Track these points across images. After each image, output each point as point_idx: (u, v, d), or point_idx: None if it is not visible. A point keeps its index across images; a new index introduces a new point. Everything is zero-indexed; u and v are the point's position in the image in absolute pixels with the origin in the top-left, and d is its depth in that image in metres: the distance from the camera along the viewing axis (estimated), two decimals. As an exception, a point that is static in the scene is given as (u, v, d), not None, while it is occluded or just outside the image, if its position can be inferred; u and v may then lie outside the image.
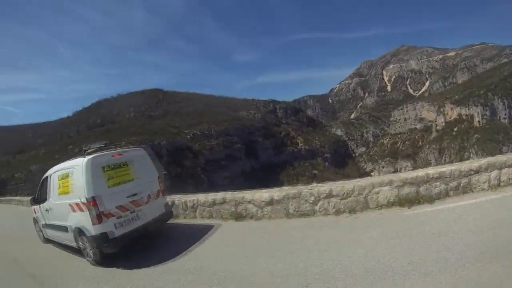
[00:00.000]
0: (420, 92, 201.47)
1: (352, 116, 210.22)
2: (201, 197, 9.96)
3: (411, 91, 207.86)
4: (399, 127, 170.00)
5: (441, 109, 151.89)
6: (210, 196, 9.68)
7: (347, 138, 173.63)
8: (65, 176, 7.95)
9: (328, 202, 7.88)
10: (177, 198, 10.63)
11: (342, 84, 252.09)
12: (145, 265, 6.83)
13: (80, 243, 7.64)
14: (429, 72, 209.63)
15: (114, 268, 6.98)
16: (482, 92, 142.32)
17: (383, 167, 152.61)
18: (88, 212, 6.97)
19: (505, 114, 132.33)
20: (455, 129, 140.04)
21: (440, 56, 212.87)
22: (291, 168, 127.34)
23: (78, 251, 8.04)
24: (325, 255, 5.70)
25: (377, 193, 7.60)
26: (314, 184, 8.68)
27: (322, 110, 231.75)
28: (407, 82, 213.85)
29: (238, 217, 8.97)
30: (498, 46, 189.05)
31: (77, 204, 7.30)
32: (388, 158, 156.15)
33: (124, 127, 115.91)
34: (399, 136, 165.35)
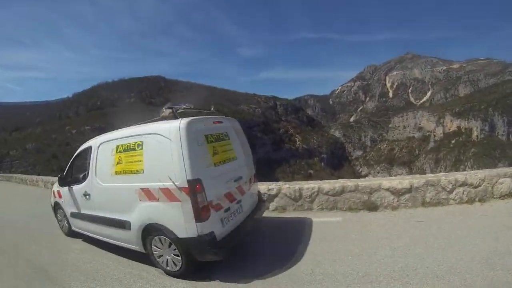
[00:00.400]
0: (421, 101, 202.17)
1: (352, 119, 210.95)
2: (325, 184, 8.42)
3: (412, 99, 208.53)
4: (397, 134, 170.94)
5: (441, 120, 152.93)
6: (337, 184, 8.34)
7: (344, 141, 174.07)
8: (132, 147, 5.54)
9: (463, 190, 7.76)
10: (285, 186, 8.81)
11: (344, 86, 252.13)
12: (248, 276, 4.90)
13: (152, 246, 5.32)
14: (432, 82, 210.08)
15: (210, 282, 4.93)
16: (483, 107, 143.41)
17: (378, 172, 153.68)
18: (183, 202, 4.73)
19: (504, 131, 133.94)
20: (453, 141, 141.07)
21: (444, 67, 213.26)
22: (287, 166, 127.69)
23: (129, 252, 5.89)
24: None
25: (501, 183, 7.71)
26: (445, 173, 8.52)
27: (322, 111, 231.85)
28: (409, 90, 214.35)
29: (372, 207, 7.94)
30: (503, 62, 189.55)
31: (159, 190, 4.97)
32: (384, 164, 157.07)
33: (123, 112, 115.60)
34: (396, 143, 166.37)
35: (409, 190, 7.70)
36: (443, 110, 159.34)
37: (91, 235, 6.94)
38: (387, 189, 7.81)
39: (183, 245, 4.88)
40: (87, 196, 6.59)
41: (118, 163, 5.76)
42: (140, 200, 5.28)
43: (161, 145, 5.01)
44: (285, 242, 6.26)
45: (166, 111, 5.59)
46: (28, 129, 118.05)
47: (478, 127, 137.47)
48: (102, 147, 6.28)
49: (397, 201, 7.78)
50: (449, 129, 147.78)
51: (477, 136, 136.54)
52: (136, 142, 5.49)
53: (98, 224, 6.46)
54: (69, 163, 7.66)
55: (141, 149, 5.37)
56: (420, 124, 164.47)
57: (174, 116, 5.35)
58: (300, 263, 5.18)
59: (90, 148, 6.69)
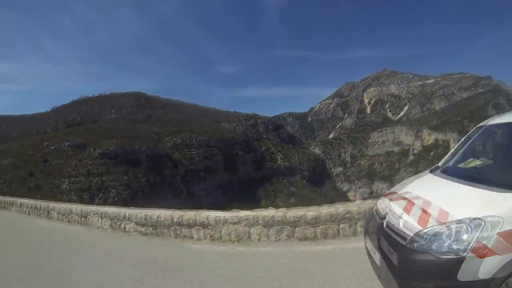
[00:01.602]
0: (399, 116, 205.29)
1: (331, 135, 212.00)
2: None
3: (390, 114, 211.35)
4: (377, 148, 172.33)
5: (419, 134, 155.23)
6: None
7: (325, 157, 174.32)
8: None
9: None
10: None
11: (322, 103, 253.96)
12: None
13: None
14: (408, 97, 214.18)
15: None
16: (458, 119, 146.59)
17: (359, 187, 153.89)
18: None
19: None
20: (432, 153, 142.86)
21: (420, 83, 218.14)
22: (269, 184, 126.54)
23: None
24: None
25: None
26: None
27: (301, 128, 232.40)
28: (387, 106, 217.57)
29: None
30: (475, 76, 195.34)
31: None
32: (364, 179, 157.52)
33: (104, 128, 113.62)
34: (376, 157, 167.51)
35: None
36: (420, 124, 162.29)
37: None
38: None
39: None
40: None
41: None
42: None
43: None
44: None
45: None
46: (4, 144, 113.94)
47: (455, 139, 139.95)
48: None
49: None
50: (427, 142, 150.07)
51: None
52: None
53: None
54: None
55: None
56: (399, 138, 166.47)
57: None
58: None
59: None
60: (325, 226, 6.65)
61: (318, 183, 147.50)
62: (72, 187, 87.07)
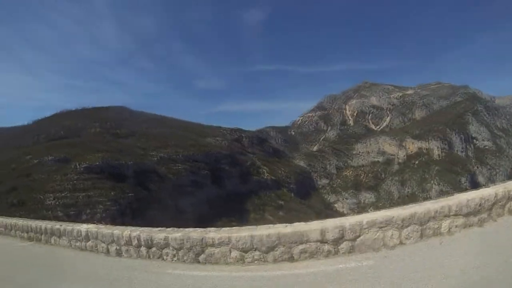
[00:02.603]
0: (381, 127, 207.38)
1: (315, 148, 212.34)
2: None
3: (372, 126, 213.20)
4: (361, 159, 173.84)
5: (402, 143, 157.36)
6: None
7: (310, 170, 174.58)
8: None
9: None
10: None
11: (305, 116, 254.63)
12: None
13: None
14: (389, 108, 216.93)
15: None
16: (440, 127, 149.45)
17: (346, 198, 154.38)
18: None
19: (462, 148, 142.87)
20: (416, 162, 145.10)
21: (400, 94, 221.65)
22: (256, 198, 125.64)
23: None
24: None
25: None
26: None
27: (284, 142, 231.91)
28: (369, 117, 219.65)
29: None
30: (452, 85, 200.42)
31: None
32: (351, 190, 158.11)
33: (88, 142, 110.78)
34: (361, 168, 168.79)
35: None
36: (403, 133, 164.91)
37: None
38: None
39: None
40: None
41: None
42: None
43: None
44: None
45: None
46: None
47: (438, 147, 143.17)
48: None
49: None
50: (411, 151, 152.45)
51: (438, 155, 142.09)
52: None
53: None
54: None
55: None
56: (382, 149, 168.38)
57: None
58: None
59: None
60: None
61: (305, 196, 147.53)
62: (57, 203, 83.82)
